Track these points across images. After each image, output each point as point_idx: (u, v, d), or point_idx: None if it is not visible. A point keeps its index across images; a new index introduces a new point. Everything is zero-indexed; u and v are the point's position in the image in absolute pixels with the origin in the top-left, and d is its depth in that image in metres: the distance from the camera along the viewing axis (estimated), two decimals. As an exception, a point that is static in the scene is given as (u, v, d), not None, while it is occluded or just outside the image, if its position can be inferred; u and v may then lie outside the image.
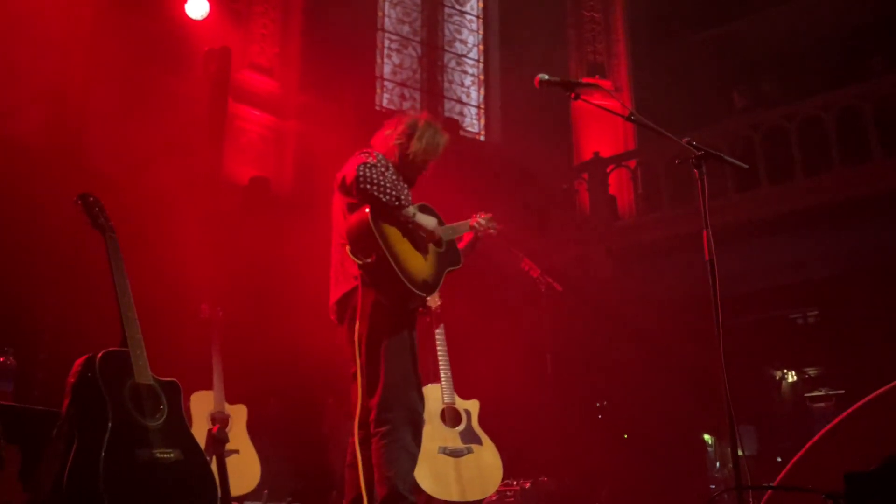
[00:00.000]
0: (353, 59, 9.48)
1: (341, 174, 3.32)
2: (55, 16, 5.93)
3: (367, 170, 3.17)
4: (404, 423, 3.18)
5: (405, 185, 3.44)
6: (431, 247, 3.41)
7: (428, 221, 3.33)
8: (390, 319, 3.24)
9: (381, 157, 3.38)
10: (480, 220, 3.77)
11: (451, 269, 3.50)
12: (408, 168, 3.49)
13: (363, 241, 3.19)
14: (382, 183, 3.16)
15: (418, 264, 3.29)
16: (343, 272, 3.34)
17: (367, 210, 3.19)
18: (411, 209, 3.27)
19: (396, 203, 3.18)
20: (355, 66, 9.61)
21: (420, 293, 3.23)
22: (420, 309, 3.45)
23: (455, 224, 3.61)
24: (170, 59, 7.11)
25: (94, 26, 6.14)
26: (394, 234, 3.23)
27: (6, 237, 5.24)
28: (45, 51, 5.89)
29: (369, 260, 3.17)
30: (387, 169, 3.32)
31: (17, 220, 5.35)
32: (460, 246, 3.66)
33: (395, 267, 3.14)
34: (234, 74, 7.95)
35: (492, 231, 3.83)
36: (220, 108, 7.42)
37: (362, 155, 3.33)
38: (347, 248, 3.25)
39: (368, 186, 3.14)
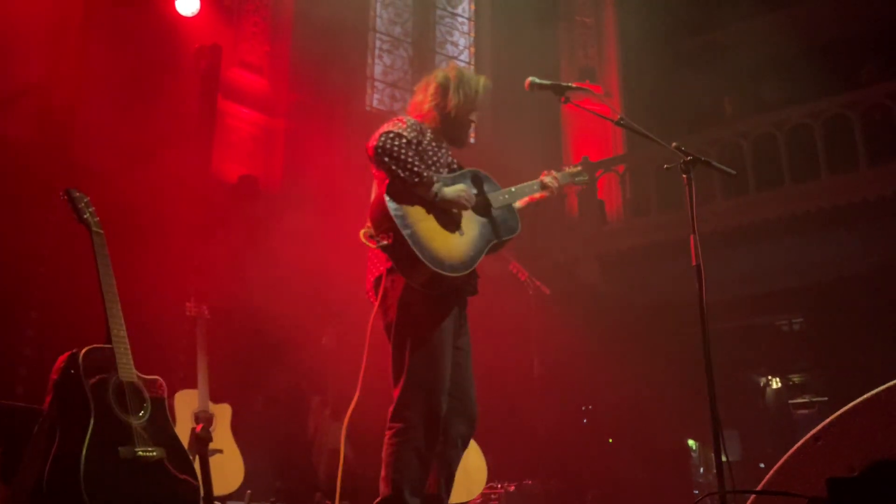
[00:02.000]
0: (344, 59, 9.47)
1: (367, 145, 3.04)
2: (44, 10, 5.90)
3: (387, 140, 2.95)
4: (420, 424, 2.93)
5: (441, 152, 3.22)
6: (472, 219, 3.13)
7: (457, 194, 3.03)
8: (420, 308, 2.98)
9: (412, 122, 3.14)
10: (552, 177, 3.47)
11: (505, 238, 3.21)
12: (453, 127, 3.26)
13: (381, 221, 2.96)
14: (401, 156, 2.93)
15: (446, 243, 2.99)
16: (376, 254, 3.11)
17: (385, 187, 2.97)
18: (437, 186, 3.00)
19: (416, 179, 2.94)
20: (346, 66, 9.59)
21: (447, 273, 2.91)
22: (467, 291, 3.16)
23: (516, 187, 3.33)
24: (159, 55, 7.08)
25: (84, 21, 6.10)
26: (415, 211, 2.97)
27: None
28: (34, 45, 5.85)
29: (386, 242, 2.93)
30: (419, 135, 3.11)
31: (2, 214, 5.31)
32: (523, 203, 3.40)
33: (413, 248, 2.87)
34: (224, 72, 7.91)
35: (580, 184, 3.61)
36: (210, 106, 7.38)
37: (390, 123, 3.09)
38: (365, 231, 3.01)
39: (386, 159, 2.93)
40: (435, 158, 3.17)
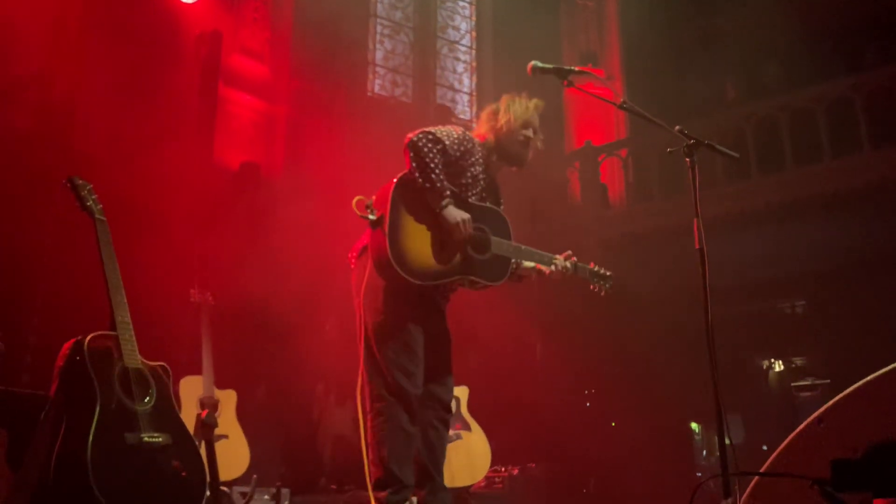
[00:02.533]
0: (345, 45, 9.43)
1: (406, 137, 3.14)
2: (44, 1, 5.87)
3: (421, 138, 3.06)
4: (396, 403, 3.03)
5: (482, 174, 3.27)
6: (463, 248, 3.16)
7: (454, 219, 3.06)
8: (385, 293, 3.09)
9: (467, 136, 3.23)
10: (570, 263, 3.51)
11: (484, 282, 3.25)
12: (508, 144, 3.34)
13: (381, 199, 3.07)
14: (426, 158, 3.02)
15: (422, 250, 3.06)
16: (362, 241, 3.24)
17: (402, 175, 3.08)
18: (444, 201, 3.06)
19: (428, 185, 3.03)
20: (347, 52, 9.55)
21: (400, 272, 2.98)
22: (434, 302, 3.26)
23: (526, 248, 3.36)
24: (160, 43, 7.05)
25: (84, 11, 6.08)
26: (416, 208, 3.06)
27: (-5, 220, 5.21)
28: (35, 36, 5.83)
29: (372, 217, 3.03)
30: (463, 148, 3.17)
31: (5, 203, 5.31)
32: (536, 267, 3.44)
33: (386, 235, 2.97)
34: (225, 59, 7.88)
35: (599, 287, 3.69)
36: (211, 93, 7.37)
37: (443, 125, 3.20)
38: (361, 200, 3.08)
39: (412, 155, 3.04)
40: (470, 174, 3.23)
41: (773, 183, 8.84)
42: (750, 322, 9.16)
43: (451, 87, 11.73)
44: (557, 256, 3.48)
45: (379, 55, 11.02)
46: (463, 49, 12.07)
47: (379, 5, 11.21)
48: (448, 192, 3.09)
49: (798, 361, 9.87)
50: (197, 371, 4.95)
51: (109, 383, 2.90)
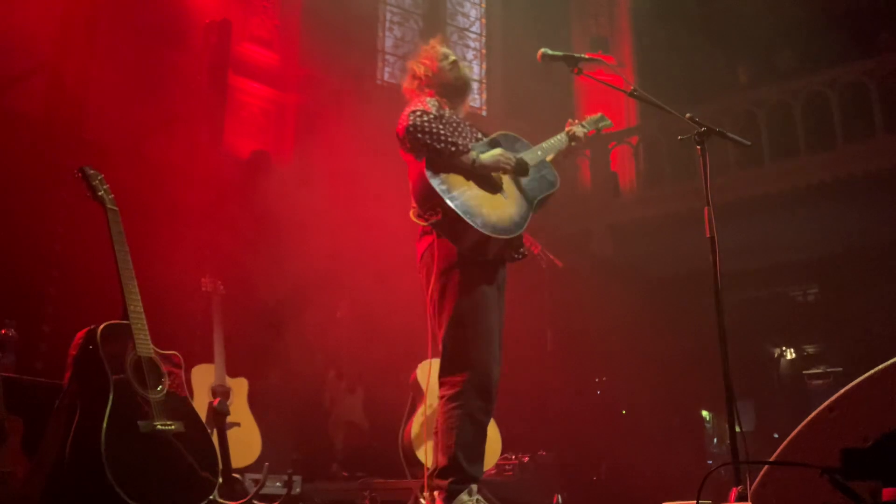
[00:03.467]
0: (355, 33, 9.40)
1: (397, 129, 3.07)
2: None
3: (416, 117, 2.99)
4: (473, 388, 2.94)
5: (463, 121, 3.26)
6: (512, 180, 3.18)
7: (495, 158, 3.09)
8: (465, 275, 3.02)
9: (431, 101, 3.16)
10: (578, 125, 3.50)
11: (547, 193, 3.27)
12: (442, 80, 3.30)
13: (426, 197, 2.99)
14: (433, 129, 2.97)
15: (495, 205, 3.03)
16: (421, 230, 3.17)
17: (424, 164, 3.00)
18: (473, 153, 3.05)
19: (453, 149, 2.99)
20: (356, 40, 9.52)
21: (501, 236, 2.97)
22: (514, 256, 3.22)
23: (546, 143, 3.37)
24: (170, 31, 7.05)
25: (94, -3, 6.09)
26: (457, 181, 3.01)
27: (7, 209, 5.23)
28: (45, 22, 5.84)
29: (437, 218, 2.96)
30: (441, 110, 3.14)
31: (18, 192, 5.34)
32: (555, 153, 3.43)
33: (463, 216, 2.89)
34: (235, 47, 7.87)
35: (604, 128, 3.67)
36: (221, 81, 7.36)
37: (412, 104, 3.13)
38: (413, 211, 3.05)
39: (419, 136, 2.96)
40: (459, 128, 3.18)
41: (785, 168, 8.79)
42: (762, 309, 9.13)
43: (461, 75, 11.66)
44: (567, 130, 3.49)
45: (388, 42, 10.98)
46: (472, 36, 12.01)
47: (388, -8, 11.17)
48: (470, 145, 3.09)
49: (810, 349, 9.84)
50: (209, 359, 4.98)
51: (122, 372, 2.93)
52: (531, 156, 3.28)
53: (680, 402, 8.14)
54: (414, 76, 3.35)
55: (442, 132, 2.98)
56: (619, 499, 5.77)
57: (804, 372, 9.27)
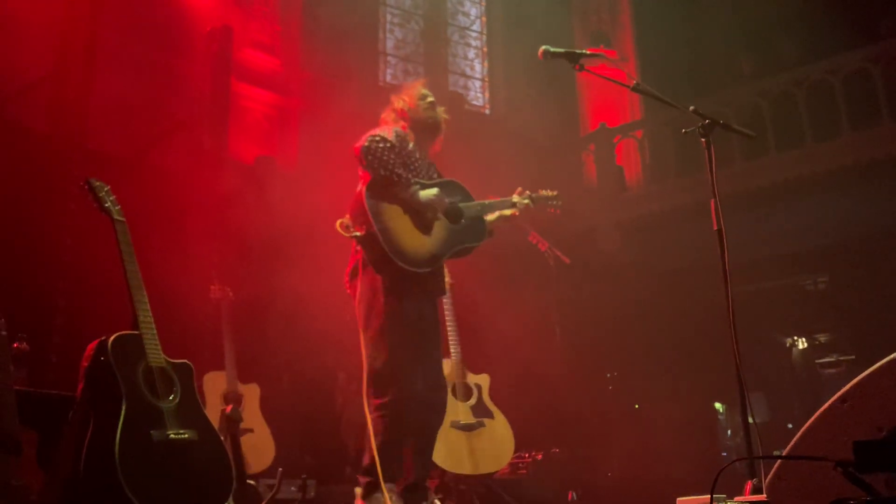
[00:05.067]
0: (355, 35, 9.41)
1: (354, 147, 3.33)
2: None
3: (372, 142, 3.24)
4: (393, 403, 3.21)
5: (422, 159, 3.49)
6: (443, 223, 3.38)
7: (430, 198, 3.29)
8: (386, 297, 3.26)
9: (398, 131, 3.42)
10: (525, 196, 3.70)
11: (470, 245, 3.46)
12: (417, 116, 3.54)
13: (357, 215, 3.25)
14: (384, 157, 3.21)
15: (414, 241, 3.26)
16: (354, 247, 3.42)
17: (365, 185, 3.25)
18: (414, 188, 3.27)
19: (395, 178, 3.22)
20: (358, 42, 9.53)
21: (408, 267, 3.19)
22: (439, 288, 3.46)
23: (489, 201, 3.57)
24: (171, 39, 7.08)
25: (93, 9, 6.10)
26: (391, 210, 3.25)
27: (16, 222, 5.26)
28: (47, 33, 5.86)
29: (358, 233, 3.23)
30: (402, 142, 3.38)
31: (25, 204, 5.37)
32: (497, 215, 3.63)
33: (382, 242, 3.15)
34: (236, 53, 7.89)
35: (554, 208, 3.86)
36: (223, 88, 7.38)
37: (378, 128, 3.40)
38: (340, 222, 3.28)
39: (369, 158, 3.22)
40: (414, 161, 3.43)
41: (791, 158, 8.75)
42: (772, 299, 9.09)
43: (463, 74, 11.67)
44: (514, 196, 3.70)
45: (390, 44, 10.99)
46: (473, 35, 12.00)
47: (388, -6, 11.17)
48: (413, 180, 3.31)
49: (822, 338, 9.79)
50: (219, 366, 4.99)
51: (134, 382, 2.93)
52: (469, 207, 3.49)
53: (692, 395, 8.11)
54: (393, 108, 3.59)
55: (391, 161, 3.22)
56: (634, 494, 5.75)
57: (816, 361, 9.24)
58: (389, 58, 10.92)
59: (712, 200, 2.82)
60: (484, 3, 12.11)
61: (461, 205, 3.46)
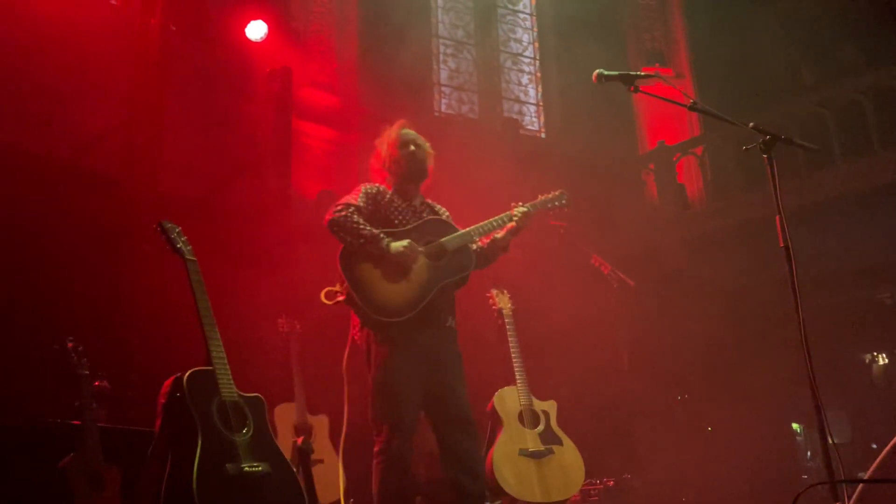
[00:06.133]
0: (410, 68, 9.57)
1: (323, 219, 3.51)
2: (123, 51, 6.18)
3: (337, 213, 3.43)
4: (389, 447, 3.35)
5: (405, 205, 3.60)
6: (423, 265, 3.46)
7: (398, 249, 3.38)
8: (378, 350, 3.41)
9: (368, 189, 3.59)
10: (520, 207, 3.70)
11: (458, 276, 3.53)
12: (397, 168, 3.65)
13: (339, 279, 3.43)
14: (348, 223, 3.38)
15: (389, 290, 3.38)
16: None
17: (339, 252, 3.43)
18: (384, 242, 3.37)
19: (361, 241, 3.36)
20: (412, 75, 9.69)
21: (383, 319, 3.33)
22: (439, 325, 3.51)
23: (476, 225, 3.60)
24: (233, 82, 7.32)
25: (160, 58, 6.36)
26: (362, 266, 3.40)
27: (94, 265, 5.48)
28: (119, 84, 6.14)
29: (340, 298, 3.42)
30: (374, 199, 3.55)
31: (102, 248, 5.59)
32: (503, 231, 3.65)
33: (356, 298, 3.33)
34: (296, 92, 8.12)
35: (562, 206, 3.87)
36: (285, 127, 7.59)
37: (346, 196, 3.56)
38: (328, 289, 3.47)
39: (335, 229, 3.41)
40: (395, 211, 3.58)
41: (859, 168, 8.48)
42: (849, 314, 8.78)
43: (517, 100, 11.73)
44: (510, 211, 3.67)
45: (444, 75, 11.13)
46: (526, 60, 12.07)
47: (440, 25, 11.34)
48: (382, 234, 3.41)
49: (903, 353, 9.39)
50: (289, 398, 5.07)
51: (209, 416, 3.02)
52: (450, 240, 3.52)
53: (769, 416, 7.86)
54: (377, 157, 3.74)
55: (355, 225, 3.38)
56: (711, 520, 5.59)
57: (899, 377, 8.85)
58: (444, 88, 11.06)
59: (777, 217, 2.77)
60: (536, 29, 12.18)
61: (442, 240, 3.51)
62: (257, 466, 3.00)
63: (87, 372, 3.93)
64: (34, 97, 5.60)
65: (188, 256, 3.37)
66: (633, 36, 11.54)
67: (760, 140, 2.88)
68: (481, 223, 3.61)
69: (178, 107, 6.65)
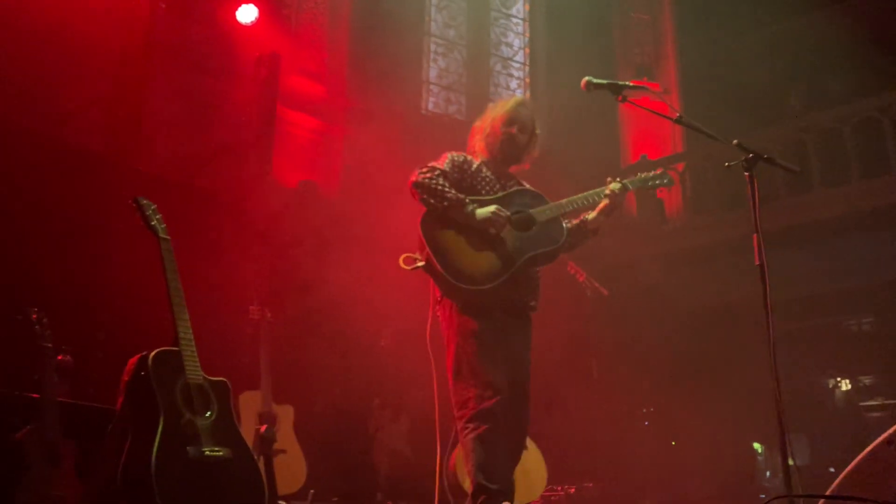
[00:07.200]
0: (400, 64, 9.55)
1: (408, 182, 3.37)
2: (111, 28, 6.08)
3: (421, 174, 3.30)
4: (478, 417, 3.11)
5: (492, 176, 3.45)
6: (510, 234, 3.29)
7: (485, 215, 3.22)
8: (463, 315, 3.24)
9: (454, 156, 3.43)
10: (615, 183, 3.52)
11: (542, 250, 3.33)
12: (502, 150, 3.49)
13: (419, 245, 3.28)
14: (432, 185, 3.25)
15: (473, 259, 3.22)
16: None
17: (421, 216, 3.29)
18: (468, 207, 3.24)
19: (445, 203, 3.23)
20: (402, 71, 9.67)
21: (466, 286, 3.16)
22: (521, 302, 3.37)
23: (568, 199, 3.42)
24: (220, 65, 7.24)
25: (148, 35, 6.29)
26: (445, 233, 3.25)
27: (64, 236, 5.39)
28: (103, 58, 6.04)
29: (420, 263, 3.24)
30: (461, 167, 3.40)
31: (75, 220, 5.50)
32: (597, 210, 3.51)
33: (437, 265, 3.16)
34: (284, 79, 8.05)
35: (661, 186, 3.75)
36: (270, 113, 7.52)
37: (434, 161, 3.40)
38: (406, 255, 3.29)
39: (419, 191, 3.28)
40: (482, 180, 3.43)
41: (836, 195, 8.60)
42: (815, 339, 8.90)
43: (505, 104, 11.72)
44: (606, 187, 3.51)
45: (433, 73, 11.12)
46: (516, 66, 12.10)
47: (433, 24, 11.33)
48: (468, 199, 3.27)
49: (866, 380, 9.53)
50: (255, 386, 5.03)
51: (172, 397, 2.97)
52: (541, 212, 3.37)
53: (731, 434, 7.94)
54: (482, 120, 3.58)
55: (439, 188, 3.24)
56: (669, 533, 5.64)
57: (860, 404, 8.98)
58: (432, 87, 11.05)
59: (755, 235, 2.78)
60: (527, 35, 12.21)
61: (532, 211, 3.36)
62: (218, 451, 2.96)
63: (50, 345, 3.85)
64: (11, 67, 5.49)
65: (162, 234, 3.32)
66: (622, 49, 11.62)
67: (743, 158, 2.90)
68: (574, 196, 3.44)
69: (163, 85, 6.57)
